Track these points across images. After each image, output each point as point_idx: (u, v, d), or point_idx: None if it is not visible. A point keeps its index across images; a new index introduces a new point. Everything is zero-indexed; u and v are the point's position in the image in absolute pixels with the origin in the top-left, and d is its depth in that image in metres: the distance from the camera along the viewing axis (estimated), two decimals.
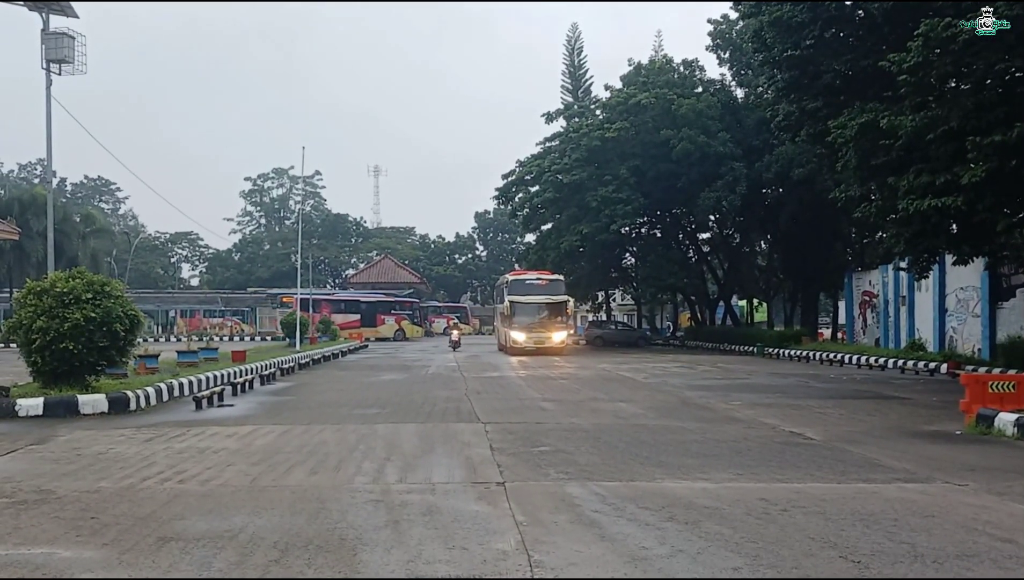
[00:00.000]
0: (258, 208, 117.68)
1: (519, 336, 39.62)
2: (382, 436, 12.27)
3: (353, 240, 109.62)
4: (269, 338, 58.94)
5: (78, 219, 64.27)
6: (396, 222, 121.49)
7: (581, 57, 68.87)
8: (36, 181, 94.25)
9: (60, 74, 24.39)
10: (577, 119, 49.46)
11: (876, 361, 29.34)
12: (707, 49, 46.60)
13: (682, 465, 9.92)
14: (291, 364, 28.02)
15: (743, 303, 60.23)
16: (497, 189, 51.67)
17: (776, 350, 37.80)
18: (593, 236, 43.70)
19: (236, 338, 65.88)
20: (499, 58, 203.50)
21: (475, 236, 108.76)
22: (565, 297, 41.49)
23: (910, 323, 33.10)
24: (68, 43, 24.29)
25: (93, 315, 15.29)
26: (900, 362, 28.07)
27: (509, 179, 50.39)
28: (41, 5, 23.89)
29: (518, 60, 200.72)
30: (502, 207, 59.46)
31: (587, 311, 68.08)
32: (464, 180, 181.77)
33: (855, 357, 31.01)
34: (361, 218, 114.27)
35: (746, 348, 41.30)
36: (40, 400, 14.74)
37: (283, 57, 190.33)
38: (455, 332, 49.40)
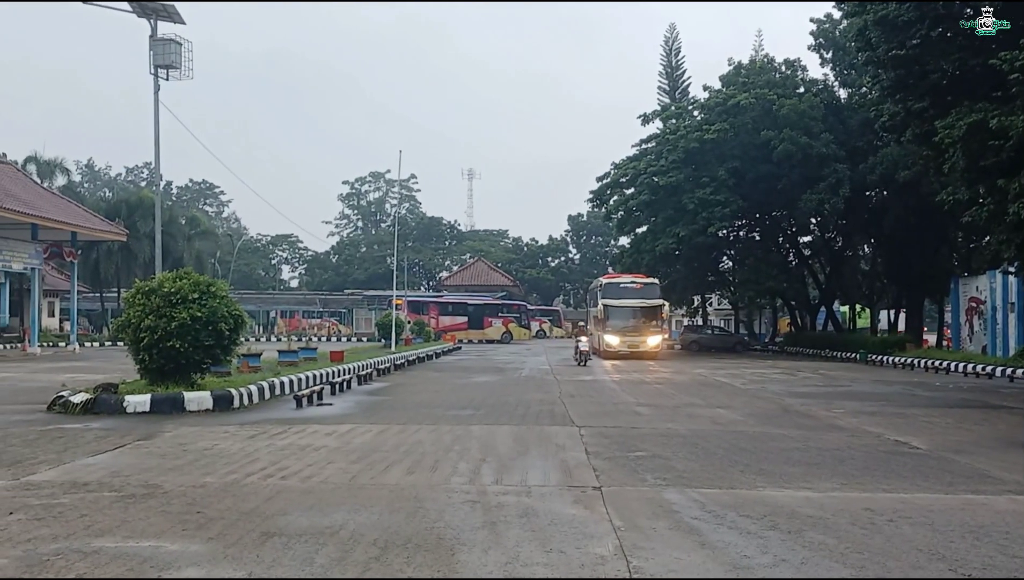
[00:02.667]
0: (355, 211, 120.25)
1: (613, 340, 39.45)
2: (477, 437, 12.32)
3: (447, 242, 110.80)
4: (365, 339, 59.97)
5: (184, 221, 66.37)
6: (489, 225, 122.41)
7: (679, 58, 68.43)
8: (143, 184, 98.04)
9: (167, 79, 25.13)
10: (674, 120, 48.82)
11: (983, 369, 28.27)
12: (809, 49, 45.75)
13: (784, 473, 9.70)
14: (387, 365, 28.39)
15: (845, 308, 58.76)
16: (591, 192, 51.44)
17: (879, 357, 36.80)
18: (689, 239, 43.10)
19: (333, 338, 67.24)
20: (595, 61, 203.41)
21: (568, 239, 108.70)
22: (660, 301, 41.17)
23: (1019, 330, 31.83)
24: (175, 49, 25.04)
25: (199, 314, 15.71)
26: (1009, 370, 27.00)
27: (603, 182, 50.09)
28: (149, 10, 24.64)
29: (613, 63, 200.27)
30: (596, 210, 59.28)
31: (682, 315, 67.48)
32: (557, 183, 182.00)
33: (961, 365, 29.91)
34: (455, 221, 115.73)
35: (848, 355, 40.21)
36: (147, 397, 15.19)
37: (385, 66, 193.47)
38: (583, 338, 35.59)
